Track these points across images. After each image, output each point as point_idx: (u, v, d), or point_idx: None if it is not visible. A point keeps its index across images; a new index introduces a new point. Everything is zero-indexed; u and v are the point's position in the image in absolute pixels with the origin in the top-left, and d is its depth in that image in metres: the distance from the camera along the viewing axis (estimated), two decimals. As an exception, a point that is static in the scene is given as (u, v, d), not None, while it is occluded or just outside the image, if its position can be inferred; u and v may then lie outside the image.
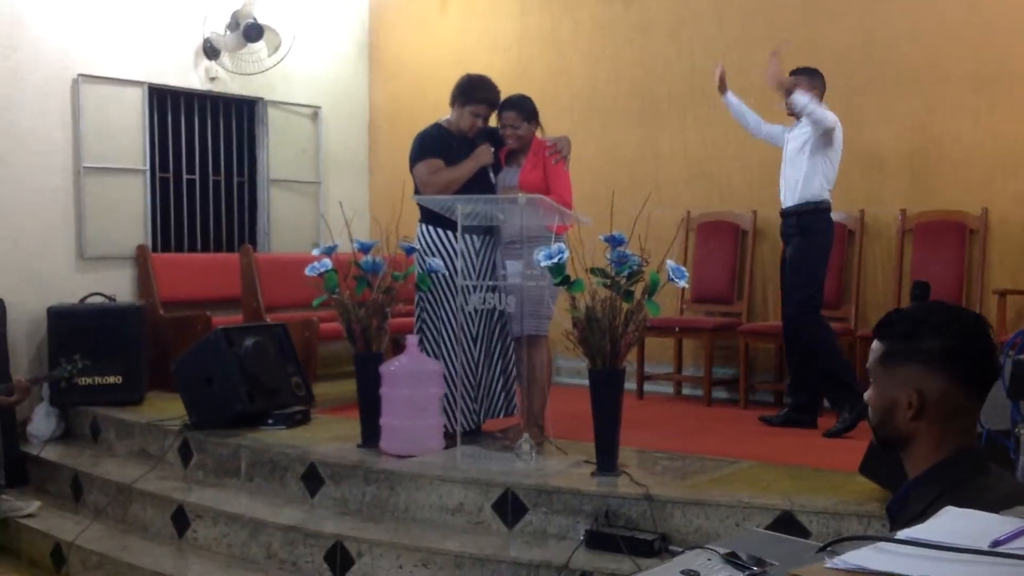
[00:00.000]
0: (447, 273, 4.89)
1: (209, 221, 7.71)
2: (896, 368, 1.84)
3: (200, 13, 7.41)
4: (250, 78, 7.70)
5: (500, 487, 4.25)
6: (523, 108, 5.04)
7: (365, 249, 4.88)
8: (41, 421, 6.27)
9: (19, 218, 6.54)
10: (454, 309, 4.88)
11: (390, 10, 8.51)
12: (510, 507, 4.22)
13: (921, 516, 1.45)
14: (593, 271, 4.22)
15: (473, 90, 5.01)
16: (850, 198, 6.24)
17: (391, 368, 4.75)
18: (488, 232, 5.02)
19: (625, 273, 4.17)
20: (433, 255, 4.93)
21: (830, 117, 5.18)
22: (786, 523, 3.72)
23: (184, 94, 7.49)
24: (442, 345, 4.97)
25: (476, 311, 4.86)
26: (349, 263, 4.88)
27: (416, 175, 5.03)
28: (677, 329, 6.48)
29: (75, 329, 6.21)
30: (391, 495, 4.50)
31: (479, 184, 4.98)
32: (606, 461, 4.28)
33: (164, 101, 7.38)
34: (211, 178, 7.71)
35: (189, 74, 7.46)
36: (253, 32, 7.48)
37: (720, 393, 6.52)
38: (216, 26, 7.48)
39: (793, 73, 5.43)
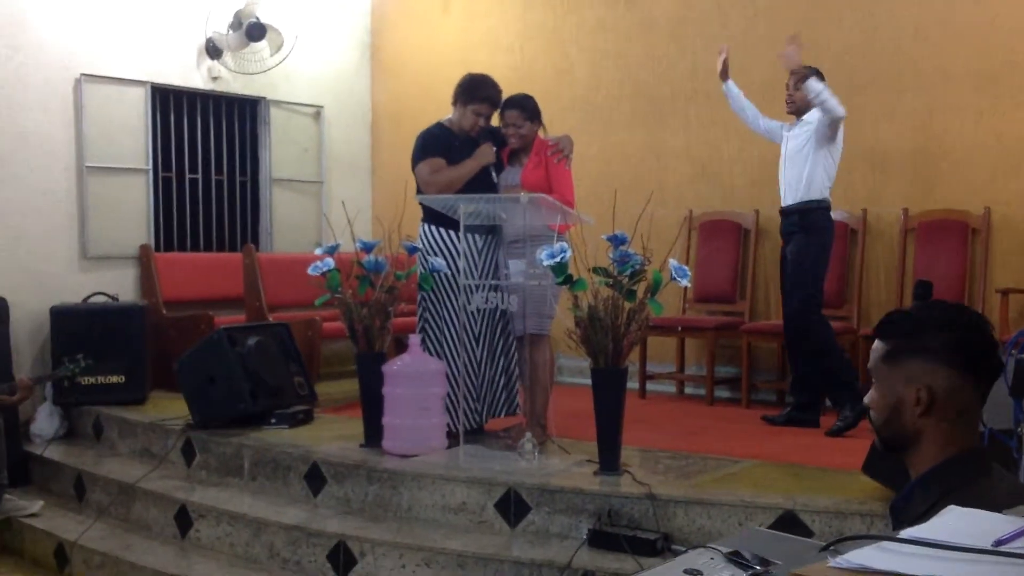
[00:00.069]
0: (449, 272, 4.89)
1: (212, 220, 7.72)
2: (901, 365, 1.84)
3: (203, 12, 7.42)
4: (253, 77, 7.71)
5: (503, 486, 4.25)
6: (525, 107, 5.04)
7: (368, 248, 4.88)
8: (44, 420, 6.28)
9: (22, 218, 6.55)
10: (456, 308, 4.88)
11: (392, 9, 8.52)
12: (513, 506, 4.22)
13: (925, 515, 1.45)
14: (595, 270, 4.22)
15: (475, 89, 5.01)
16: (852, 197, 6.24)
17: (394, 367, 4.75)
18: (490, 231, 5.02)
19: (627, 272, 4.17)
20: (435, 255, 4.93)
21: (841, 107, 5.16)
22: (789, 522, 3.72)
23: (187, 93, 7.49)
24: (444, 344, 4.97)
25: (479, 310, 4.86)
26: (352, 262, 4.88)
27: (418, 174, 5.03)
28: (679, 328, 6.48)
29: (78, 329, 6.22)
30: (394, 494, 4.50)
31: (481, 183, 4.98)
32: (609, 460, 4.28)
33: (167, 101, 7.38)
34: (214, 177, 7.72)
35: (192, 73, 7.47)
36: (256, 31, 7.48)
37: (722, 392, 6.52)
38: (219, 25, 7.49)
39: (794, 73, 5.43)
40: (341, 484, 4.68)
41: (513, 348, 5.08)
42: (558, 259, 4.16)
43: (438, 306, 4.98)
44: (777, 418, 5.54)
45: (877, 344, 1.90)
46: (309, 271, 4.78)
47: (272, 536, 4.52)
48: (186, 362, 5.56)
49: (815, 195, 5.33)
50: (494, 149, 5.04)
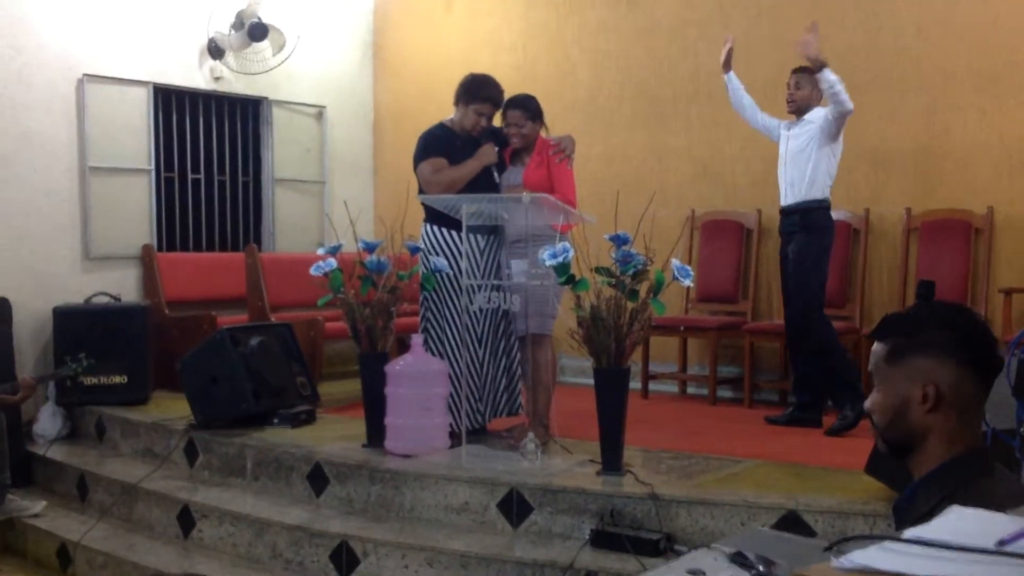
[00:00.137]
0: (451, 273, 4.89)
1: (214, 221, 7.72)
2: (905, 363, 1.84)
3: (205, 13, 7.42)
4: (255, 78, 7.71)
5: (505, 486, 4.25)
6: (527, 107, 5.04)
7: (370, 248, 4.88)
8: (47, 421, 6.28)
9: (25, 218, 6.56)
10: (458, 308, 4.89)
11: (395, 9, 8.52)
12: (515, 506, 4.22)
13: (928, 516, 1.45)
14: (598, 270, 4.23)
15: (477, 89, 5.01)
16: (855, 197, 6.24)
17: (396, 367, 4.75)
18: (492, 231, 5.02)
19: (630, 272, 4.17)
20: (438, 255, 4.94)
21: (851, 102, 5.13)
22: (791, 522, 3.72)
23: (189, 94, 7.50)
24: (446, 344, 4.97)
25: (481, 310, 4.86)
26: (354, 262, 4.88)
27: (420, 174, 5.03)
28: (682, 328, 6.48)
29: (81, 329, 6.23)
30: (396, 494, 4.50)
31: (484, 184, 4.98)
32: (611, 460, 4.28)
33: (169, 101, 7.39)
34: (216, 178, 7.72)
35: (194, 74, 7.47)
36: (258, 32, 7.48)
37: (725, 392, 6.52)
38: (221, 26, 7.49)
39: (795, 72, 5.43)
40: (344, 484, 4.68)
41: (515, 348, 5.07)
42: (560, 259, 4.17)
43: (440, 306, 4.98)
44: (779, 418, 5.54)
45: (877, 347, 1.90)
46: (311, 271, 4.78)
47: (275, 536, 4.52)
48: (189, 362, 5.56)
49: (817, 194, 5.32)
50: (496, 149, 5.04)
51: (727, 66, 5.69)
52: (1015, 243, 5.84)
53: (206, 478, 5.26)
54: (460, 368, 4.83)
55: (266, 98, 7.90)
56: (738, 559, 1.63)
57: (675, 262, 4.18)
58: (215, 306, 6.90)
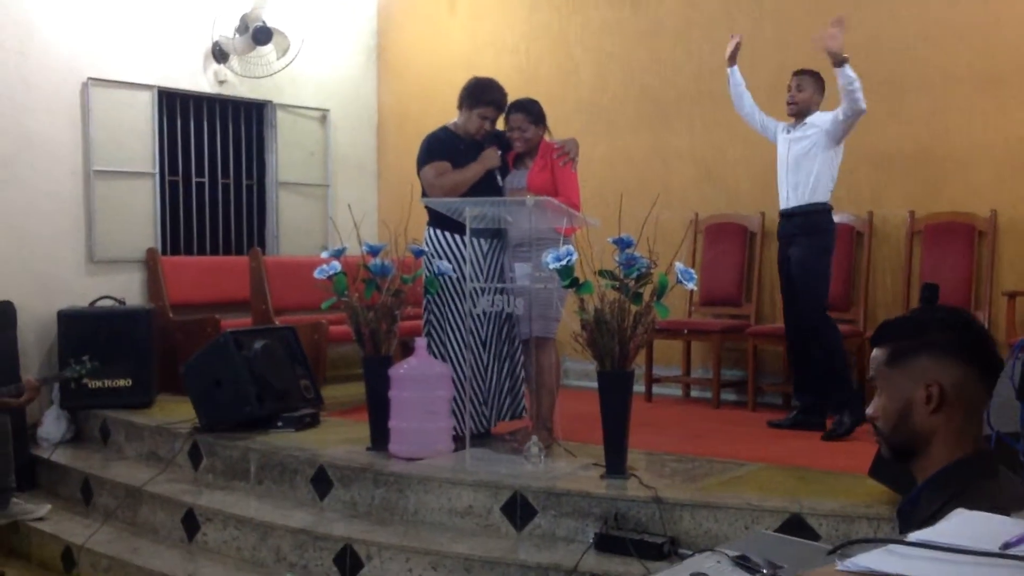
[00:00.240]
0: (455, 276, 4.90)
1: (218, 224, 7.74)
2: (907, 365, 1.84)
3: (209, 16, 7.44)
4: (259, 81, 7.73)
5: (509, 490, 4.25)
6: (530, 111, 5.04)
7: (374, 252, 4.89)
8: (51, 424, 6.29)
9: (29, 221, 6.57)
10: (462, 312, 4.89)
11: (398, 12, 8.53)
12: (519, 510, 4.22)
13: (932, 519, 1.45)
14: (602, 273, 4.22)
15: (480, 93, 5.01)
16: (858, 199, 6.23)
17: (400, 371, 4.75)
18: (496, 235, 5.03)
19: (634, 275, 4.17)
20: (441, 258, 4.94)
21: (865, 102, 5.09)
22: (795, 526, 3.72)
23: (193, 97, 7.51)
24: (449, 348, 4.97)
25: (484, 314, 4.86)
26: (358, 266, 4.88)
27: (423, 178, 5.04)
28: (685, 331, 6.48)
29: (85, 332, 6.23)
30: (400, 498, 4.50)
31: (487, 187, 4.98)
32: (615, 463, 4.28)
33: (173, 104, 7.41)
34: (220, 181, 7.74)
35: (198, 77, 7.49)
36: (262, 35, 7.50)
37: (729, 395, 6.52)
38: (225, 29, 7.51)
39: (796, 74, 5.42)
40: (347, 487, 4.69)
41: (519, 351, 5.08)
42: (564, 262, 4.17)
43: (444, 309, 4.99)
44: (783, 422, 5.53)
45: (877, 352, 1.91)
46: (315, 274, 4.79)
47: (279, 539, 4.52)
48: (193, 365, 5.57)
49: (820, 198, 5.31)
50: (499, 153, 5.05)
51: (732, 60, 5.67)
52: (1018, 246, 5.83)
53: (210, 481, 5.27)
54: (464, 371, 4.84)
55: (270, 101, 7.92)
56: (742, 562, 1.63)
57: (679, 265, 4.18)
58: (219, 309, 6.91)
